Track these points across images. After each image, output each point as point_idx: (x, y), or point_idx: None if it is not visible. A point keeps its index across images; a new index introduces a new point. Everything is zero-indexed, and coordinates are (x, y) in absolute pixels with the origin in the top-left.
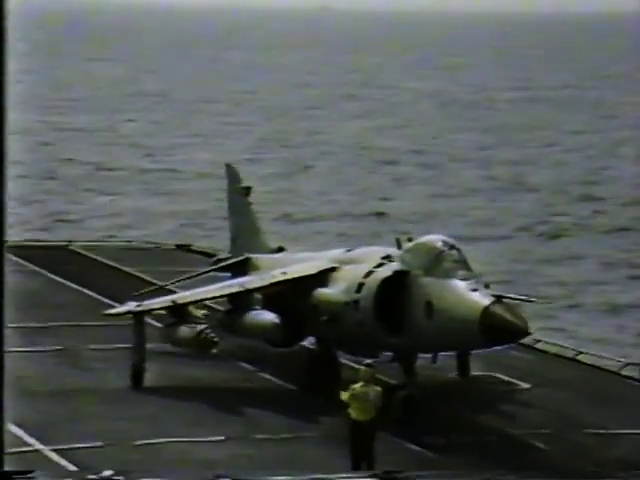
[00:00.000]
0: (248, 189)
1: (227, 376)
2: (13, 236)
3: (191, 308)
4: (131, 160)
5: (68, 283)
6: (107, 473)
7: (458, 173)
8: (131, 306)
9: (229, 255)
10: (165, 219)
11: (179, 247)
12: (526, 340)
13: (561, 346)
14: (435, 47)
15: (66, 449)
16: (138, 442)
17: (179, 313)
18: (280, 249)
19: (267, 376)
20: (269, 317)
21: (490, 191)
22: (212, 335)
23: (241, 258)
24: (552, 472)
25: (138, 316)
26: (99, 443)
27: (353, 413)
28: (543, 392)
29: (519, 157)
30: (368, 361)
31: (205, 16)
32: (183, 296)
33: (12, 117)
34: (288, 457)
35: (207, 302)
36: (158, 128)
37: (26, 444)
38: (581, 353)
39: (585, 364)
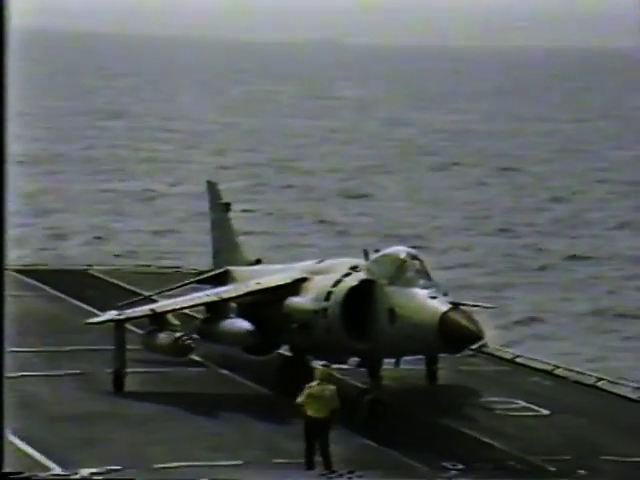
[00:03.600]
0: (228, 205)
1: (239, 394)
2: None
3: (169, 316)
4: None
5: (88, 307)
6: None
7: None
8: (112, 315)
9: (211, 268)
10: None
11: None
12: (545, 366)
13: (581, 372)
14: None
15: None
16: (157, 465)
17: (158, 321)
18: (257, 261)
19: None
20: (243, 325)
21: None
22: (189, 341)
23: (221, 270)
24: None
25: (119, 324)
26: (118, 467)
27: (309, 411)
28: (563, 418)
29: None
30: (323, 362)
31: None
32: (162, 305)
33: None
34: None
35: (186, 311)
36: None
37: (45, 468)
38: (601, 380)
39: (604, 391)
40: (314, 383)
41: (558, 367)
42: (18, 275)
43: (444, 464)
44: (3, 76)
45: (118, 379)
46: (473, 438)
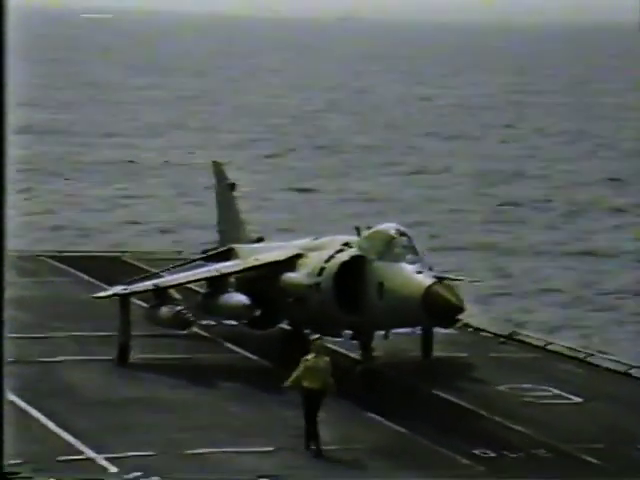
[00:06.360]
0: (233, 185)
1: (262, 376)
2: None
3: (172, 291)
4: None
5: None
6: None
7: None
8: (118, 289)
9: (217, 245)
10: None
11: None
12: (577, 354)
13: (614, 360)
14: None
15: (118, 457)
16: (189, 451)
17: (161, 296)
18: (259, 239)
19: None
20: (240, 298)
21: None
22: (189, 315)
23: (225, 248)
24: None
25: (124, 298)
26: (150, 452)
27: (306, 382)
28: (595, 406)
29: None
30: (317, 335)
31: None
32: (165, 280)
33: None
34: (338, 468)
35: (189, 285)
36: None
37: (79, 452)
38: (633, 367)
39: (637, 378)
40: (310, 356)
41: (591, 354)
42: (51, 261)
43: (474, 451)
44: (3, 75)
45: (123, 352)
46: (503, 425)
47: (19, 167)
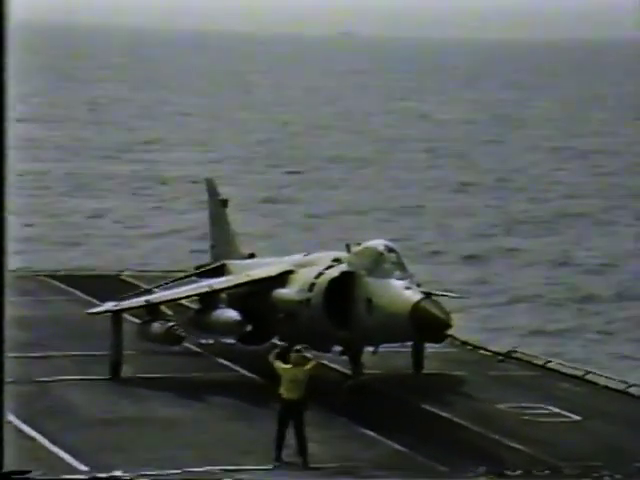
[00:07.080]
0: (225, 201)
1: (261, 395)
2: None
3: (163, 307)
4: None
5: None
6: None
7: None
8: (109, 305)
9: (209, 261)
10: None
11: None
12: (577, 372)
13: (611, 378)
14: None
15: (117, 477)
16: (189, 469)
17: (153, 312)
18: (251, 255)
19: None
20: (231, 314)
21: None
22: (180, 331)
23: (218, 264)
24: None
25: (116, 315)
26: (149, 471)
27: (284, 393)
28: (594, 424)
29: None
30: (298, 347)
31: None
32: (156, 296)
33: None
34: None
35: (181, 302)
36: None
37: (78, 471)
38: (632, 386)
39: (636, 397)
40: (288, 366)
41: (590, 372)
42: (50, 280)
43: (472, 469)
44: (3, 75)
45: (115, 367)
46: (502, 443)
47: (30, 184)
